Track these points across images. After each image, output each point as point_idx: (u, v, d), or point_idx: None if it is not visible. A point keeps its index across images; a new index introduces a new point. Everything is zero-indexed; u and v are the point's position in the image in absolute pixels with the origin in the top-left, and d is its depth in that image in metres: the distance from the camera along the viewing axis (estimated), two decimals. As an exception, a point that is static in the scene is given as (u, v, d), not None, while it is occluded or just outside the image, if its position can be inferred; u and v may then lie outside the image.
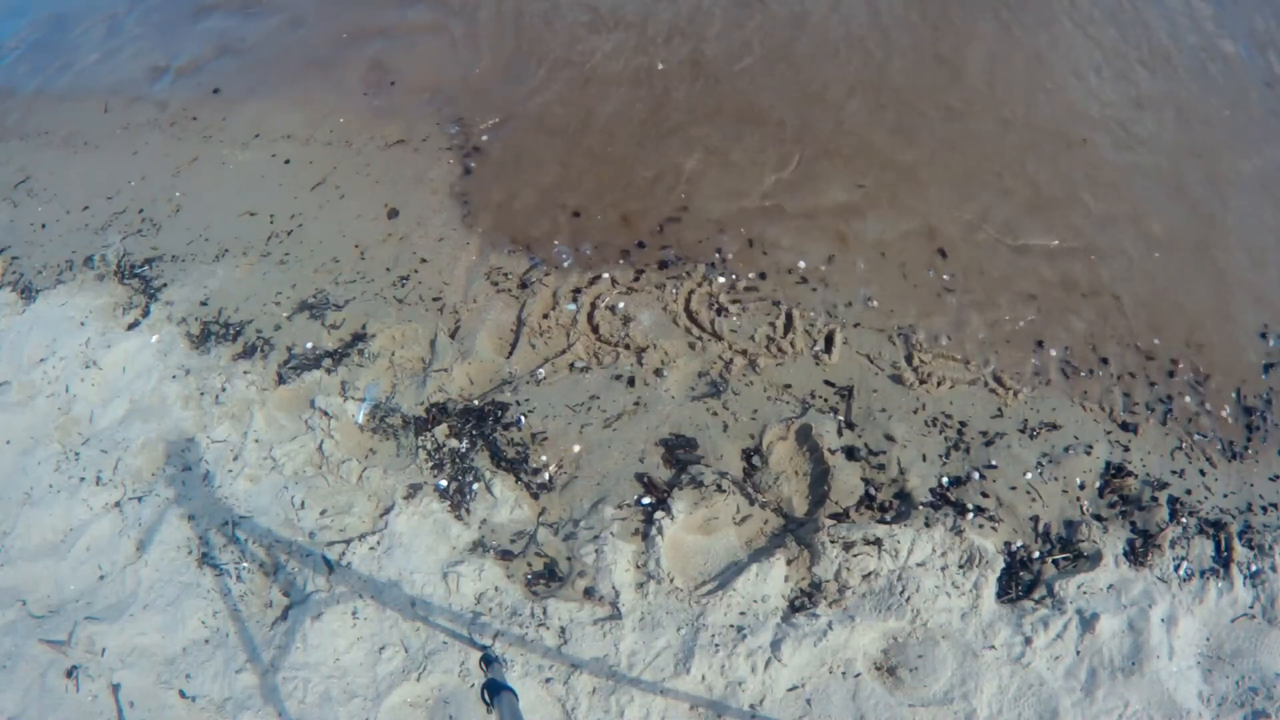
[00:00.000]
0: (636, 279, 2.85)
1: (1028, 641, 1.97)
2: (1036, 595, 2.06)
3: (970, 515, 2.19)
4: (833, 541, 2.12)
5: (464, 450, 2.42)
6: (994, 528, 2.18)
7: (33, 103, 4.48)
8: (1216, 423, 2.43)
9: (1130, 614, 2.00)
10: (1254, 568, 2.12)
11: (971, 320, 2.68)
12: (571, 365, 2.61)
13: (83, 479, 2.51)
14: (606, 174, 3.24)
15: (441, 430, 2.46)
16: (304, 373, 2.67)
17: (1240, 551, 2.13)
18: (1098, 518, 2.21)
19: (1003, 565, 2.11)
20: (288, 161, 3.56)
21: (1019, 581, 2.10)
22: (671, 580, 2.10)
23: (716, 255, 2.90)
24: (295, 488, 2.39)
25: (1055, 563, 2.13)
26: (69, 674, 2.08)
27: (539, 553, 2.20)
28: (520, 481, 2.34)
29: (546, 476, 2.36)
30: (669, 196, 3.12)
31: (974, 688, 1.91)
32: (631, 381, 2.55)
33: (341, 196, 3.34)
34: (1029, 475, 2.28)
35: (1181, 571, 2.10)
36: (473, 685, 1.98)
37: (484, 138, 3.47)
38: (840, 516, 2.19)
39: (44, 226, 3.58)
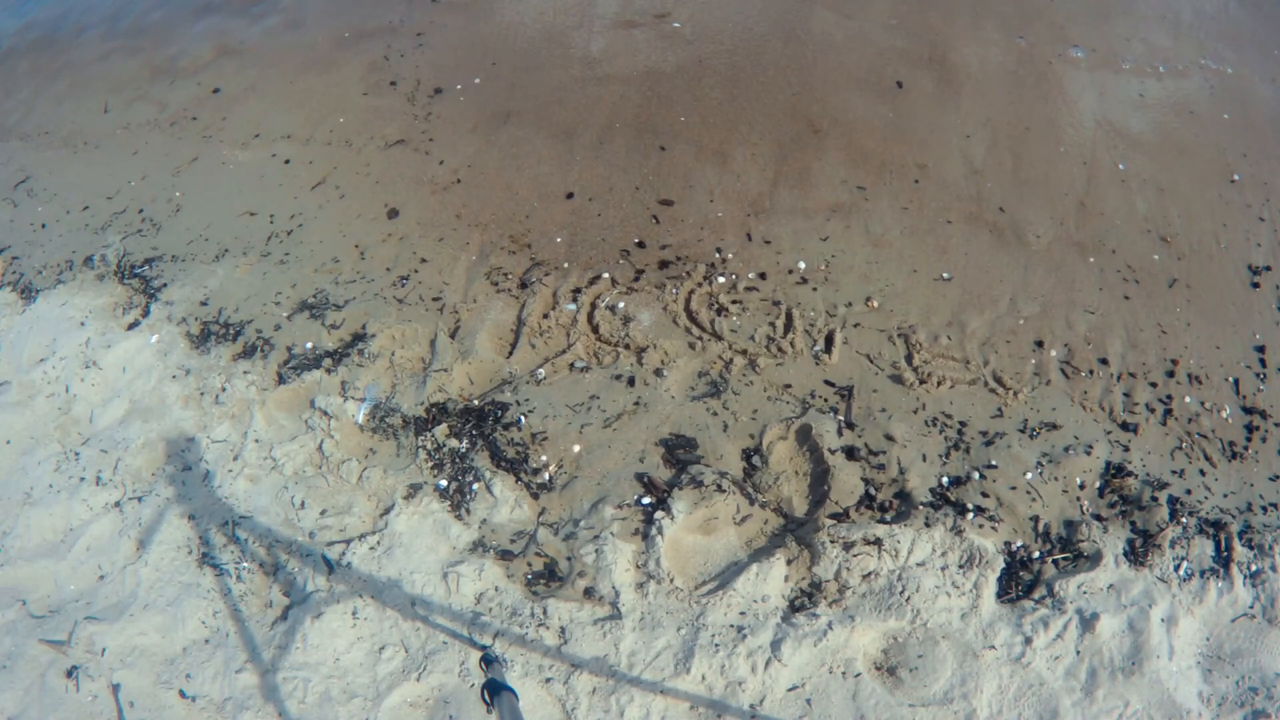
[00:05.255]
0: (636, 279, 2.85)
1: (1028, 641, 1.97)
2: (1036, 595, 2.06)
3: (970, 515, 2.19)
4: (833, 541, 2.12)
5: (464, 450, 2.42)
6: (994, 528, 2.18)
7: (33, 103, 4.48)
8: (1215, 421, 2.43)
9: (1130, 614, 2.00)
10: (1254, 568, 2.12)
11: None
12: (571, 365, 2.61)
13: (83, 479, 2.51)
14: (606, 172, 3.24)
15: (441, 430, 2.46)
16: (304, 373, 2.67)
17: (1240, 551, 2.13)
18: (1098, 518, 2.21)
19: (1003, 565, 2.11)
20: (288, 161, 3.57)
21: (1019, 581, 2.10)
22: (671, 580, 2.10)
23: (716, 255, 2.90)
24: (295, 488, 2.39)
25: (1055, 563, 2.13)
26: (69, 674, 2.08)
27: (539, 553, 2.20)
28: (520, 481, 2.34)
29: (546, 476, 2.36)
30: (668, 195, 3.12)
31: (974, 688, 1.91)
32: (631, 381, 2.55)
33: (341, 196, 3.34)
34: (1029, 475, 2.28)
35: (1181, 571, 2.10)
36: (473, 685, 1.98)
37: (483, 135, 3.47)
38: (840, 516, 2.19)
39: (44, 226, 3.58)
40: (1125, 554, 2.13)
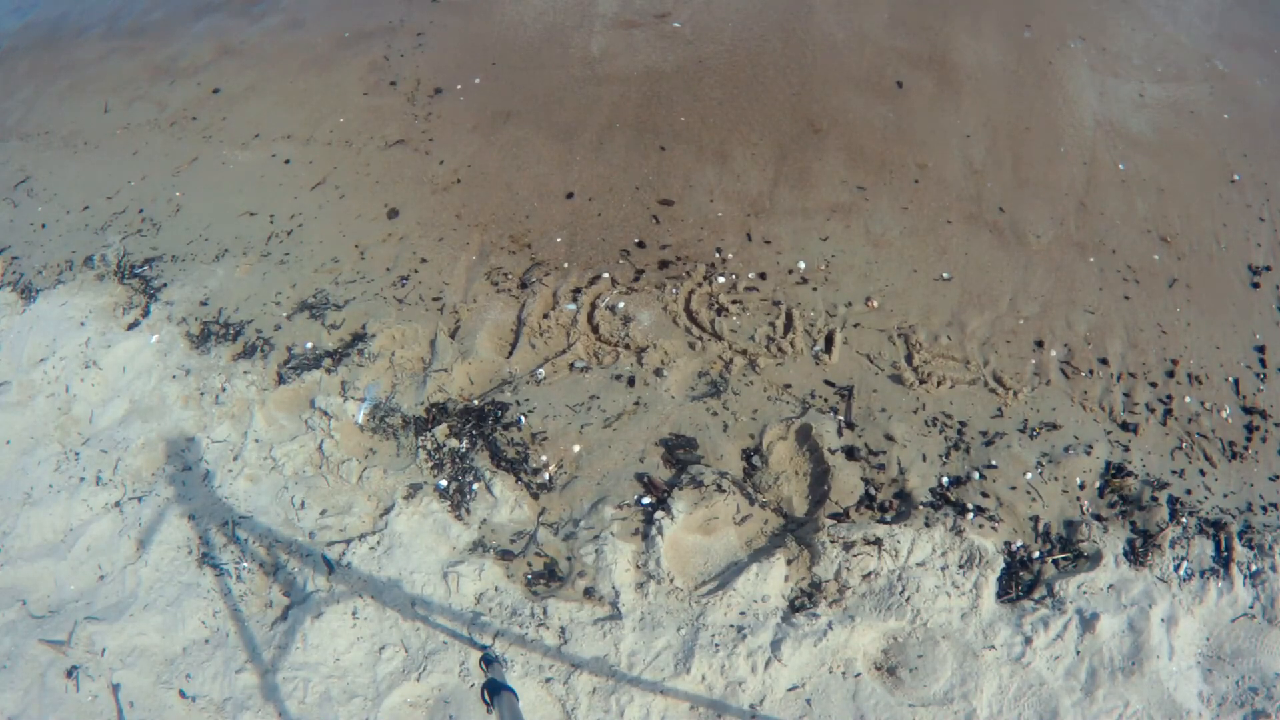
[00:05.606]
0: (636, 279, 2.85)
1: (1028, 641, 1.97)
2: (1036, 595, 2.06)
3: (970, 515, 2.19)
4: (833, 541, 2.12)
5: (464, 450, 2.42)
6: (994, 528, 2.18)
7: (33, 103, 4.48)
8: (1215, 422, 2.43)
9: (1130, 614, 2.00)
10: (1254, 568, 2.12)
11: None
12: (571, 365, 2.61)
13: (83, 479, 2.51)
14: (606, 172, 3.24)
15: (441, 430, 2.46)
16: (304, 373, 2.67)
17: (1240, 551, 2.13)
18: (1098, 518, 2.21)
19: (1003, 565, 2.11)
20: (288, 161, 3.56)
21: (1019, 581, 2.10)
22: (671, 580, 2.10)
23: (716, 255, 2.90)
24: (295, 488, 2.39)
25: (1055, 563, 2.13)
26: (69, 674, 2.08)
27: (539, 553, 2.20)
28: (520, 481, 2.34)
29: (546, 476, 2.36)
30: (668, 195, 3.12)
31: (974, 688, 1.91)
32: (631, 381, 2.55)
33: (341, 196, 3.34)
34: (1029, 475, 2.28)
35: (1181, 571, 2.10)
36: (473, 685, 1.98)
37: (483, 135, 3.47)
38: (840, 516, 2.19)
39: (44, 226, 3.58)
40: (1125, 554, 2.13)
